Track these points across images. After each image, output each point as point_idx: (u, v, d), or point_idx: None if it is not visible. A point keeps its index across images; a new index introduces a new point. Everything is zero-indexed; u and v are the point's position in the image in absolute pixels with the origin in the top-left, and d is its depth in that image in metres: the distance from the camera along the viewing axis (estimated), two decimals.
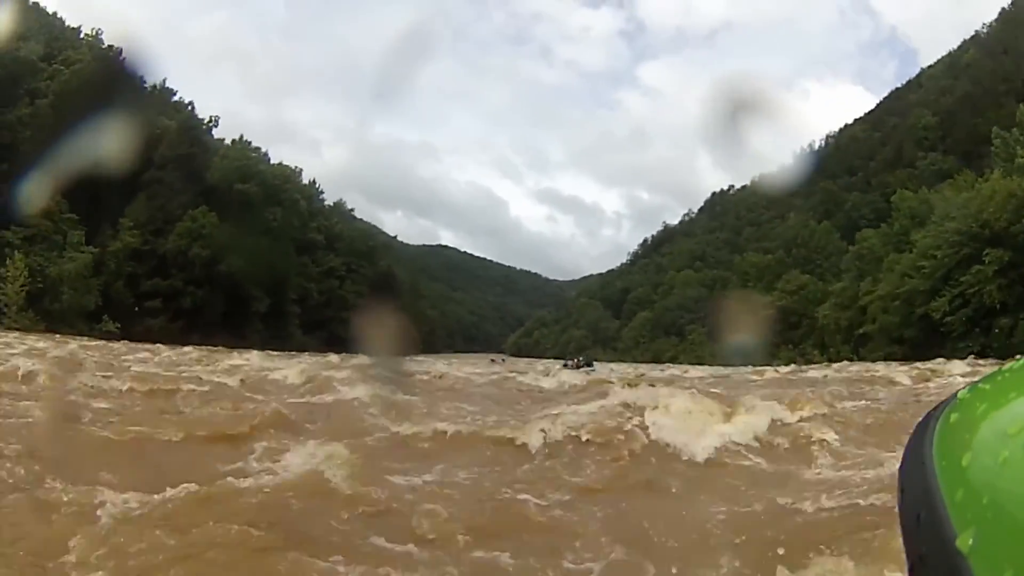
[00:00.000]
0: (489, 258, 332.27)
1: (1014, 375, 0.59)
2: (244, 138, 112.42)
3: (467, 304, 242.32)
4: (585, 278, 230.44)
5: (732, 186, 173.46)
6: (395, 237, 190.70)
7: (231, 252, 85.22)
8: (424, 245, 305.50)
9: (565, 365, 64.68)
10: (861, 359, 67.09)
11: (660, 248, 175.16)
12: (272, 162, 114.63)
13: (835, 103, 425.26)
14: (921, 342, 65.73)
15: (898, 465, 0.62)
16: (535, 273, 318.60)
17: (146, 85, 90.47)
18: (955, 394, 0.62)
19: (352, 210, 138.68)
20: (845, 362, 62.65)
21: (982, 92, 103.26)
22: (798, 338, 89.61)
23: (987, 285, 62.16)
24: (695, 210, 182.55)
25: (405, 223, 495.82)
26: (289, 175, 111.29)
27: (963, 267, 64.51)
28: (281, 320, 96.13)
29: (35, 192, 63.38)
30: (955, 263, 65.16)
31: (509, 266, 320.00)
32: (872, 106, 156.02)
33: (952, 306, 65.02)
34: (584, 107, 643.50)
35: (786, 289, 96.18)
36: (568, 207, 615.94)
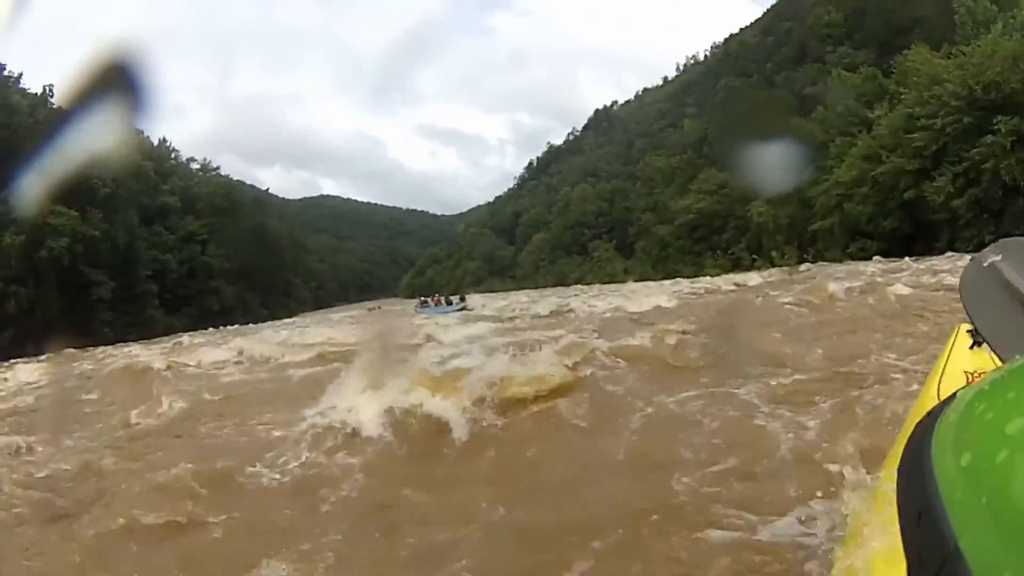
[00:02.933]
0: (375, 202, 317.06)
1: (1014, 375, 0.58)
2: None
3: (357, 252, 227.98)
4: (474, 209, 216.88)
5: (616, 101, 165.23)
6: (267, 190, 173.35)
7: (51, 232, 67.25)
8: (306, 198, 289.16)
9: (423, 303, 55.51)
10: (816, 259, 54.49)
11: (548, 169, 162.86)
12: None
13: (718, 14, 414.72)
14: (904, 235, 53.37)
15: (898, 465, 0.61)
16: (423, 211, 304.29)
17: None
18: (955, 394, 0.62)
19: (217, 168, 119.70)
20: (807, 264, 50.68)
21: None
22: (725, 243, 76.67)
23: (1004, 160, 48.08)
24: (579, 128, 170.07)
25: (285, 178, 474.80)
26: (123, 133, 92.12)
27: (964, 139, 50.72)
28: (135, 303, 78.86)
29: None
30: (956, 134, 51.24)
31: (395, 207, 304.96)
32: (758, 15, 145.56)
33: (956, 186, 51.02)
34: (457, 35, 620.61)
35: (704, 190, 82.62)
36: (449, 139, 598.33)
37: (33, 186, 63.32)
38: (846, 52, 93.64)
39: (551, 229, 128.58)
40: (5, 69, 79.04)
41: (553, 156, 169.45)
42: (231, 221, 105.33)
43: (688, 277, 63.79)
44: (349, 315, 58.50)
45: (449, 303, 53.49)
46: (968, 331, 2.90)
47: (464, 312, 42.28)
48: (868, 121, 62.46)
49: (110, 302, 74.50)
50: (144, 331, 65.48)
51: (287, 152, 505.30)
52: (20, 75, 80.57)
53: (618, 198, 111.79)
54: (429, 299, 59.31)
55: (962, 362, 2.92)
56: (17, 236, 65.61)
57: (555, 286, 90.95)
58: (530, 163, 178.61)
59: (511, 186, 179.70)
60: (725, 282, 39.58)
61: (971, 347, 2.86)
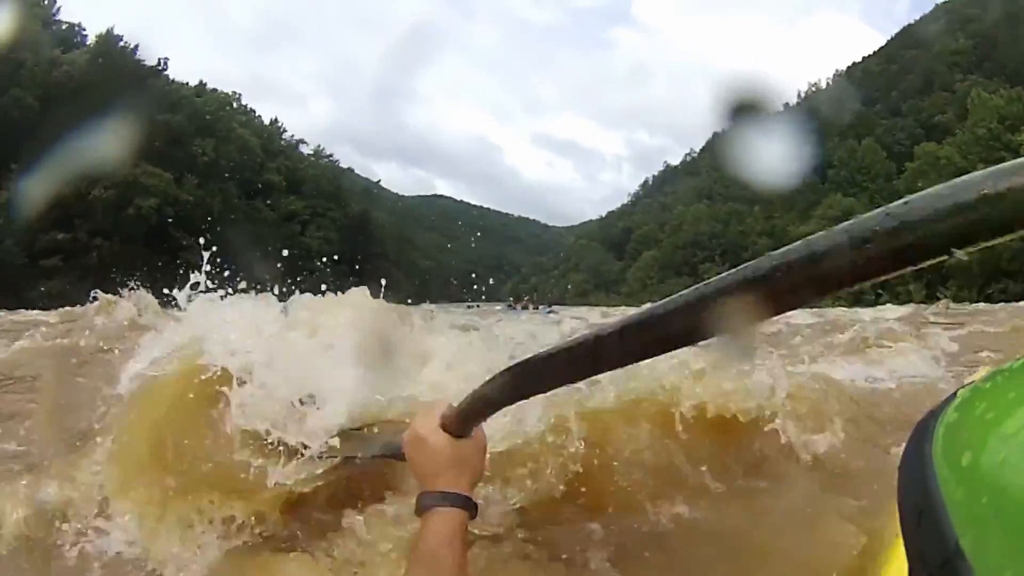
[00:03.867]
0: (487, 206, 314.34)
1: (1014, 375, 0.57)
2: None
3: (464, 254, 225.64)
4: (585, 223, 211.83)
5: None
6: (378, 182, 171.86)
7: (140, 192, 65.12)
8: (419, 196, 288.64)
9: (509, 307, 56.99)
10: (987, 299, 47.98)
11: (662, 188, 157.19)
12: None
13: (840, 41, 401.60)
14: None
15: (898, 464, 0.61)
16: (534, 220, 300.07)
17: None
18: (955, 393, 0.61)
19: (330, 155, 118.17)
20: (945, 302, 43.77)
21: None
22: None
23: None
24: (696, 150, 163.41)
25: (400, 174, 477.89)
26: (225, 102, 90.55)
27: None
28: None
29: None
30: None
31: (507, 213, 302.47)
32: (881, 44, 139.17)
33: None
34: (578, 47, 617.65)
35: (828, 216, 75.93)
36: (566, 151, 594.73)
37: (123, 143, 62.63)
38: (977, 80, 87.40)
39: (662, 248, 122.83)
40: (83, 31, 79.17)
41: (669, 175, 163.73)
42: (335, 206, 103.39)
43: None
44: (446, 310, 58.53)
45: (538, 308, 54.78)
46: None
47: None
48: (1014, 145, 56.78)
49: (199, 268, 71.92)
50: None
51: (405, 149, 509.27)
52: (136, 46, 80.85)
53: (734, 221, 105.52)
54: (516, 304, 64.26)
55: None
56: (107, 190, 63.67)
57: None
58: (645, 180, 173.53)
59: (624, 202, 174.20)
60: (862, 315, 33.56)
61: None
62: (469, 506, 1.40)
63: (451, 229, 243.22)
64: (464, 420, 1.43)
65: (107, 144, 63.90)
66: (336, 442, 2.81)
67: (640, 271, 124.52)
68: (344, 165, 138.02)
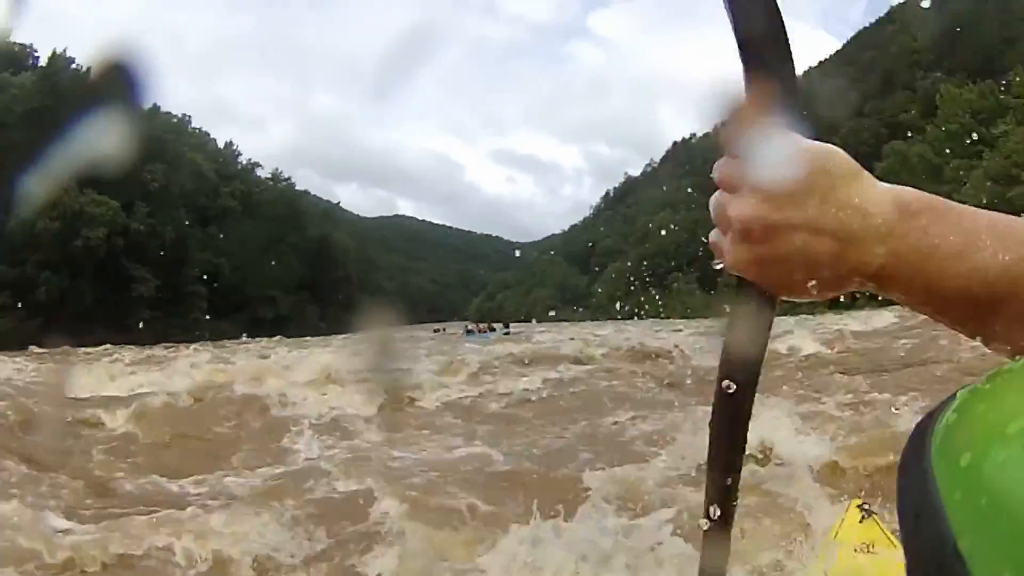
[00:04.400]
0: (449, 225, 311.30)
1: (1014, 375, 0.56)
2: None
3: (428, 273, 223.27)
4: (548, 238, 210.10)
5: (694, 134, 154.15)
6: (338, 203, 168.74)
7: (87, 223, 62.12)
8: (381, 216, 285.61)
9: (468, 331, 57.66)
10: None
11: (625, 200, 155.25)
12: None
13: (797, 48, 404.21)
14: None
15: (897, 465, 0.60)
16: (497, 236, 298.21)
17: None
18: (955, 394, 0.59)
19: (288, 179, 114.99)
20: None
21: (993, 8, 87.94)
22: None
23: None
24: (657, 160, 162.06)
25: (361, 195, 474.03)
26: (175, 126, 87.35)
27: None
28: (180, 304, 73.39)
29: None
30: None
31: (470, 231, 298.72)
32: (837, 47, 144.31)
33: None
34: (536, 63, 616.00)
35: None
36: (526, 166, 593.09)
37: (66, 172, 59.55)
38: (938, 78, 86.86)
39: (628, 260, 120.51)
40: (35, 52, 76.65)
41: (630, 187, 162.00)
42: (293, 230, 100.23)
43: (779, 315, 55.68)
44: (411, 335, 57.69)
45: (493, 330, 55.98)
46: (858, 506, 3.42)
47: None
48: (989, 139, 55.31)
49: (152, 300, 69.34)
50: (188, 334, 59.32)
51: (365, 170, 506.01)
52: (89, 68, 76.49)
53: (700, 229, 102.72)
54: (474, 326, 61.60)
55: (852, 534, 3.33)
56: (52, 222, 60.68)
57: (630, 319, 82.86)
58: (607, 193, 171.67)
59: (586, 215, 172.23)
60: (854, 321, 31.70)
61: (860, 520, 3.32)
62: None
63: (415, 249, 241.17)
64: None
65: (52, 172, 60.94)
66: None
67: (606, 284, 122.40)
68: (304, 188, 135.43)
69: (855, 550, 3.25)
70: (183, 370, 19.01)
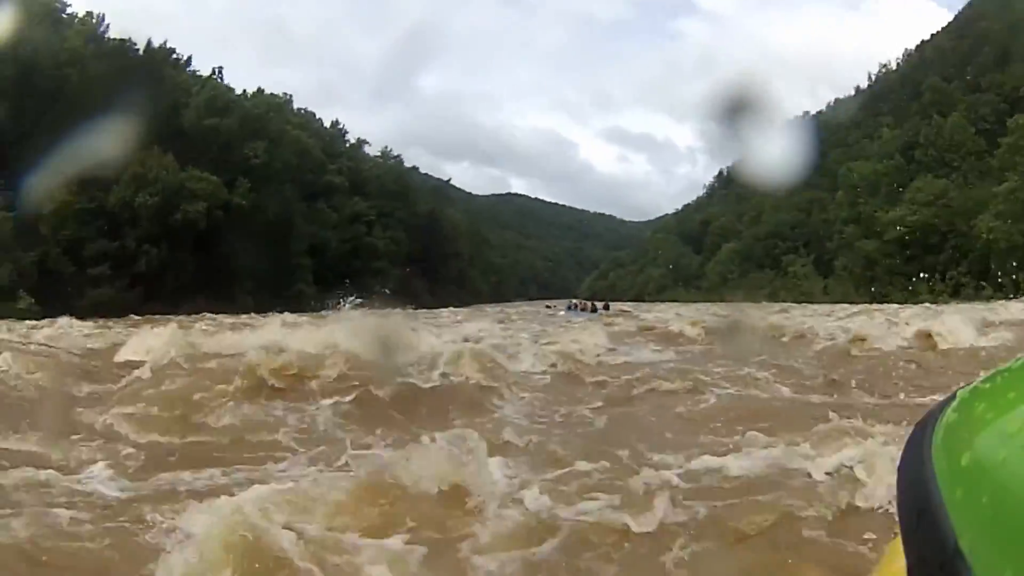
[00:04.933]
0: (562, 203, 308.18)
1: (1014, 375, 0.56)
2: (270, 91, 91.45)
3: (541, 251, 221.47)
4: (662, 217, 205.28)
5: (807, 112, 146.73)
6: (448, 180, 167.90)
7: (187, 198, 62.52)
8: (493, 195, 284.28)
9: (568, 308, 59.24)
10: None
11: (738, 178, 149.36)
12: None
13: (907, 21, 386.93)
14: None
15: (897, 464, 0.60)
16: (610, 215, 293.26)
17: None
18: (955, 393, 0.60)
19: (398, 156, 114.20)
20: None
21: None
22: (943, 264, 63.12)
23: None
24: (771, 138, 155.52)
25: (473, 173, 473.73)
26: (277, 104, 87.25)
27: None
28: (285, 276, 73.30)
29: None
30: None
31: (583, 210, 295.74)
32: (949, 19, 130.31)
33: None
34: (644, 40, 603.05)
35: (918, 200, 68.89)
36: (639, 145, 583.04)
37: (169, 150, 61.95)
38: None
39: (742, 239, 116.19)
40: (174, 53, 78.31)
41: (744, 165, 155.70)
42: (402, 205, 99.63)
43: (898, 303, 52.06)
44: (520, 311, 63.85)
45: (595, 309, 56.72)
46: None
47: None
48: None
49: (256, 272, 69.29)
50: (290, 304, 59.56)
51: (477, 149, 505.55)
52: (190, 57, 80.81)
53: (816, 208, 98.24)
54: (576, 303, 62.74)
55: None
56: (152, 197, 61.19)
57: (743, 301, 79.11)
58: (720, 172, 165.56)
59: (700, 194, 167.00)
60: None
61: None
62: None
63: (527, 227, 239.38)
64: None
65: (153, 152, 62.14)
66: None
67: (719, 264, 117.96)
68: (416, 167, 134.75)
69: None
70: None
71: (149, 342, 16.47)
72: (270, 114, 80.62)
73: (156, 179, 62.07)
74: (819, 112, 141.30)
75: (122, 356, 15.87)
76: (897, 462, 0.59)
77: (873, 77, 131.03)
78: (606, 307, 60.13)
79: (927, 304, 48.69)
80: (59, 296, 50.15)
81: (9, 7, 61.65)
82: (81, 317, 38.87)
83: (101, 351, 18.44)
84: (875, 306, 46.13)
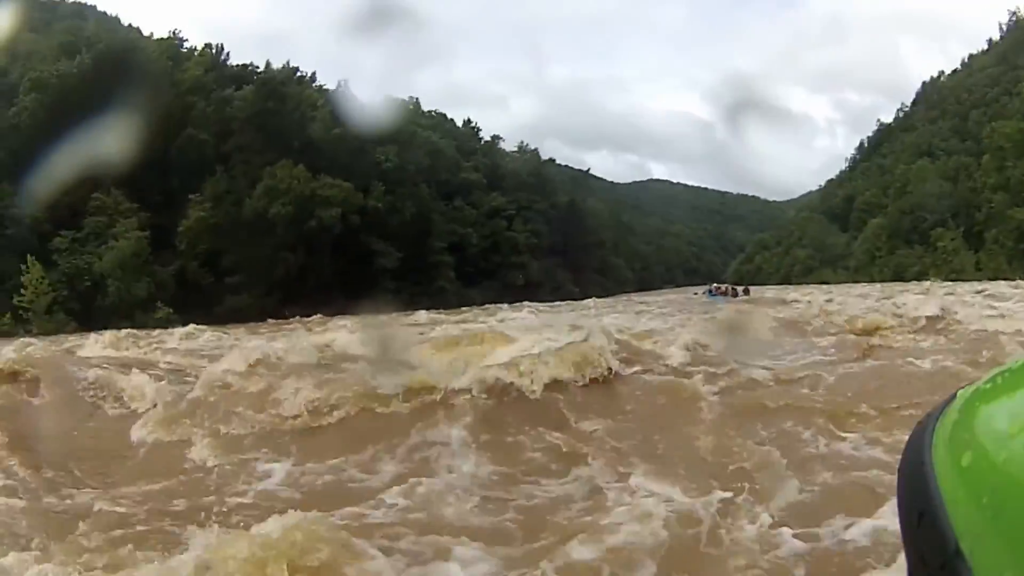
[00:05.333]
0: (704, 186, 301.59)
1: (1014, 375, 0.56)
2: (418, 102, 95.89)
3: (685, 236, 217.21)
4: (805, 195, 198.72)
5: (942, 71, 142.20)
6: (587, 170, 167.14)
7: (320, 204, 65.13)
8: (633, 182, 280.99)
9: (710, 293, 59.34)
10: None
11: (880, 149, 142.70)
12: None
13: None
14: None
15: (898, 465, 0.60)
16: (753, 196, 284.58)
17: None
18: (955, 394, 0.60)
19: (534, 149, 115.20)
20: None
21: None
22: None
23: None
24: (907, 104, 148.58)
25: (611, 161, 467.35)
26: (404, 108, 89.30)
27: None
28: (426, 273, 74.94)
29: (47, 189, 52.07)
30: None
31: (725, 192, 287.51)
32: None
33: None
34: (766, 9, 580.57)
35: None
36: (776, 120, 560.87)
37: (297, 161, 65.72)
38: None
39: (887, 214, 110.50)
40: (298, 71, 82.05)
41: (884, 135, 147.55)
42: (540, 197, 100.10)
43: None
44: (666, 299, 63.36)
45: (735, 294, 58.44)
46: None
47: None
48: None
49: (396, 271, 71.31)
50: (435, 300, 61.98)
51: (612, 136, 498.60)
52: (314, 73, 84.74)
53: (962, 176, 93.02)
54: (715, 288, 64.27)
55: None
56: (285, 207, 64.02)
57: (892, 280, 75.62)
58: (860, 143, 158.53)
59: (842, 168, 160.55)
60: None
61: None
62: None
63: (669, 212, 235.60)
64: None
65: (283, 164, 65.13)
66: None
67: (866, 242, 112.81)
68: (553, 158, 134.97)
69: None
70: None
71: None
72: (397, 119, 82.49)
73: (288, 189, 64.65)
74: (954, 71, 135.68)
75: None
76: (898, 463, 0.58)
77: (1004, 27, 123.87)
78: (746, 291, 60.49)
79: None
80: (199, 305, 53.23)
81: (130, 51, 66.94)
82: (220, 323, 41.55)
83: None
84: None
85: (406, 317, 37.94)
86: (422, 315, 39.93)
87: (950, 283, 54.43)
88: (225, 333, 28.72)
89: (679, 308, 41.53)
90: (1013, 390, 0.54)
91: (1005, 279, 53.37)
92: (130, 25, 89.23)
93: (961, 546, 0.47)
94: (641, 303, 51.80)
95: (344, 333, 18.93)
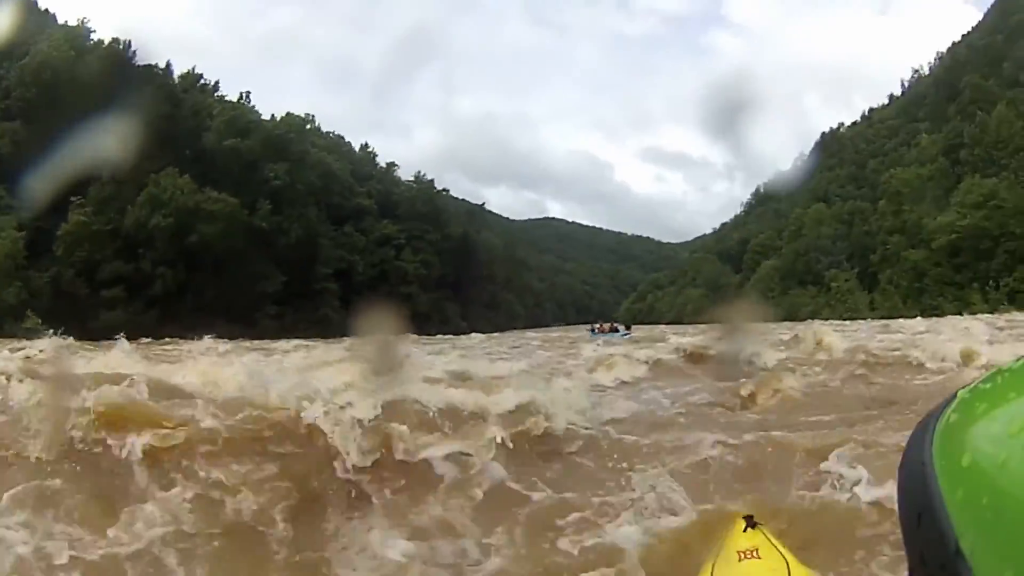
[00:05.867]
0: (599, 226, 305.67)
1: (1014, 375, 0.55)
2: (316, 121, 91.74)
3: (579, 274, 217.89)
4: (700, 237, 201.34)
5: (842, 123, 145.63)
6: (483, 204, 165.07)
7: (203, 219, 60.46)
8: (532, 219, 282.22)
9: (593, 330, 57.90)
10: None
11: (775, 195, 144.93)
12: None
13: (935, 23, 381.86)
14: None
15: (898, 465, 0.59)
16: (647, 237, 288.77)
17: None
18: (955, 394, 0.59)
19: (431, 180, 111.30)
20: None
21: None
22: (995, 271, 58.72)
23: None
24: (806, 152, 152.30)
25: (511, 197, 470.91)
26: (300, 126, 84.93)
27: None
28: (310, 300, 70.89)
29: None
30: None
31: (621, 232, 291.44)
32: (979, 17, 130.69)
33: None
34: (676, 56, 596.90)
35: (967, 203, 64.42)
36: (675, 164, 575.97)
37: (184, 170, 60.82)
38: None
39: (781, 256, 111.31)
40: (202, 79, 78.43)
41: (781, 181, 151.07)
42: (433, 228, 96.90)
43: (950, 314, 48.05)
44: (547, 336, 57.93)
45: (616, 330, 56.13)
46: (743, 517, 3.55)
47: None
48: None
49: (280, 296, 67.40)
50: (316, 329, 57.93)
51: (514, 172, 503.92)
52: (217, 82, 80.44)
53: (857, 220, 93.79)
54: (597, 326, 61.94)
55: (737, 543, 3.44)
56: (166, 218, 59.39)
57: (784, 320, 74.83)
58: (756, 189, 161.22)
59: (738, 212, 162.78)
60: None
61: (744, 530, 3.45)
62: None
63: (566, 250, 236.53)
64: None
65: (168, 173, 60.79)
66: None
67: (759, 283, 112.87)
68: (453, 192, 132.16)
69: (739, 558, 3.34)
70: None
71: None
72: (292, 135, 78.63)
73: (171, 200, 60.11)
74: (854, 123, 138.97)
75: None
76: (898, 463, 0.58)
77: (906, 83, 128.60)
78: (628, 328, 58.95)
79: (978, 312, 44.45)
80: (73, 317, 48.20)
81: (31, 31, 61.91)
82: (93, 339, 37.09)
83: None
84: (927, 320, 41.76)
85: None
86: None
87: (847, 322, 53.78)
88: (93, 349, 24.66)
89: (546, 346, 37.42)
90: (1013, 390, 0.54)
91: (901, 317, 52.69)
92: (46, 10, 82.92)
93: (961, 546, 0.47)
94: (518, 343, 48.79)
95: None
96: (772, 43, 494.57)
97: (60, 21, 76.16)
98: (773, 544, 3.36)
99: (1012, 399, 0.52)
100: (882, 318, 56.79)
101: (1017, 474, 0.46)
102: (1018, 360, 0.56)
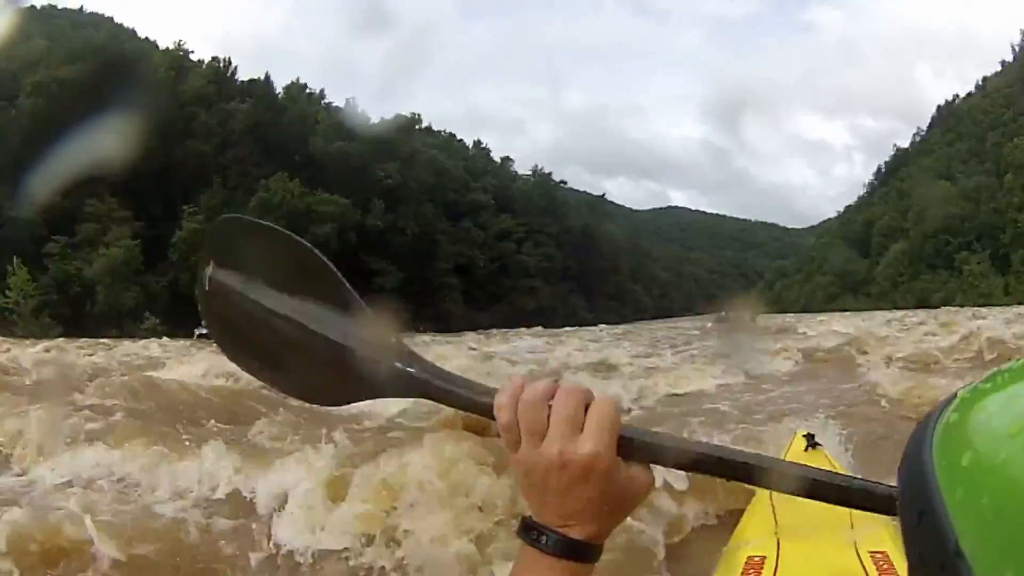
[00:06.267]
0: (723, 213, 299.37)
1: (1014, 375, 0.54)
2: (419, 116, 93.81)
3: (704, 263, 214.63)
4: (824, 222, 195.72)
5: (957, 94, 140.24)
6: (602, 195, 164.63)
7: (315, 220, 63.24)
8: (654, 208, 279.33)
9: (718, 319, 53.44)
10: None
11: (897, 173, 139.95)
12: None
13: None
14: None
15: (898, 464, 0.59)
16: (772, 223, 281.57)
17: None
18: (955, 394, 0.58)
19: (549, 173, 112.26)
20: None
21: None
22: None
23: None
24: (923, 128, 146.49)
25: (631, 187, 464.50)
26: (407, 126, 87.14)
27: None
28: (430, 296, 72.59)
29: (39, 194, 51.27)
30: None
31: (745, 219, 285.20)
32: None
33: None
34: (780, 35, 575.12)
35: None
36: (793, 147, 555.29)
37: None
38: None
39: (909, 239, 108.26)
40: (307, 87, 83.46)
41: (901, 159, 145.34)
42: (553, 221, 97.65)
43: None
44: (688, 326, 56.18)
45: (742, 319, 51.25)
46: (804, 435, 3.41)
47: None
48: None
49: (398, 292, 69.17)
50: (439, 324, 60.22)
51: (631, 162, 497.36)
52: (322, 90, 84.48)
53: (984, 197, 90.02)
54: (723, 315, 57.66)
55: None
56: (278, 221, 62.05)
57: (916, 307, 72.46)
58: (878, 168, 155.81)
59: (861, 194, 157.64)
60: None
61: (805, 449, 3.29)
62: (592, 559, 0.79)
63: (689, 239, 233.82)
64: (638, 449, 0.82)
65: (278, 177, 63.78)
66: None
67: (888, 268, 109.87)
68: (572, 185, 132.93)
69: None
70: None
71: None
72: (401, 136, 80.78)
73: (282, 203, 62.85)
74: (969, 94, 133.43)
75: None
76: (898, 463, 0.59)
77: (1017, 48, 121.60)
78: (752, 319, 57.48)
79: None
80: (192, 318, 51.27)
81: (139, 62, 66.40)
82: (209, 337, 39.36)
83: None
84: None
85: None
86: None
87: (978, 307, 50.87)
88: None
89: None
90: (1013, 390, 0.53)
91: None
92: (147, 38, 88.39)
93: (961, 546, 0.46)
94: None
95: None
96: (874, 14, 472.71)
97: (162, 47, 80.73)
98: (834, 466, 3.23)
99: (1012, 399, 0.52)
100: (1018, 303, 54.56)
101: (1017, 474, 0.46)
102: (1018, 360, 0.55)
